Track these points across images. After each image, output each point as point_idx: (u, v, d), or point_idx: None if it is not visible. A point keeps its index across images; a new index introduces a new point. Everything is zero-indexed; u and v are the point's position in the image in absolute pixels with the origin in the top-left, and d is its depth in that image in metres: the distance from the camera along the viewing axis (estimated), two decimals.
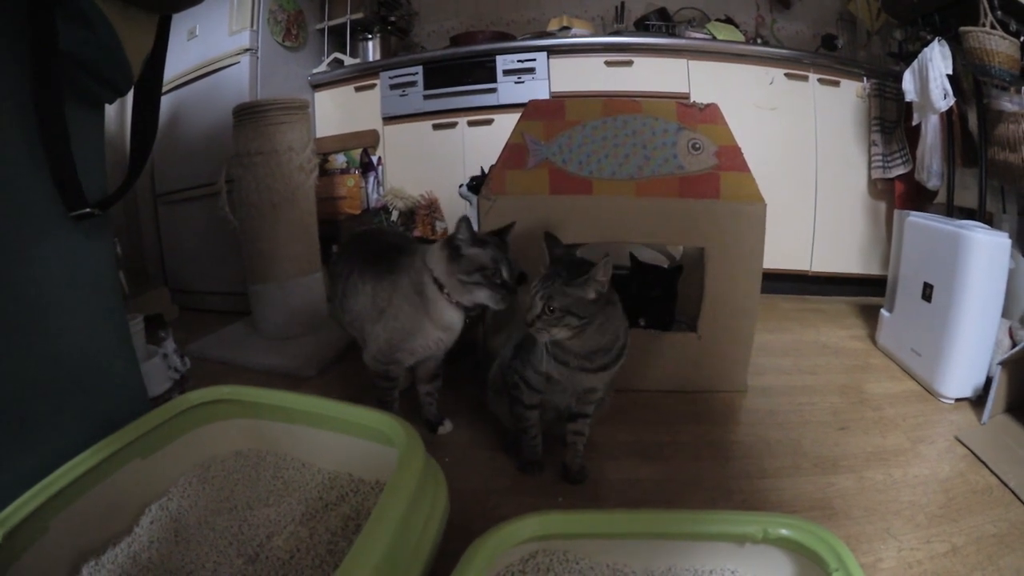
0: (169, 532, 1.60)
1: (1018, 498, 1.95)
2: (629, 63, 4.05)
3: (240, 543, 1.56)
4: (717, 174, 2.54)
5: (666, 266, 2.97)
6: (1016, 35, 2.76)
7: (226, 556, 1.52)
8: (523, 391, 1.98)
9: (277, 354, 3.01)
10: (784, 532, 1.39)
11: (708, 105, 2.61)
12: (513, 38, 4.42)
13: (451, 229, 4.05)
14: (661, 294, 2.74)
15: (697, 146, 2.56)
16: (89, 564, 1.48)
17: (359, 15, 4.58)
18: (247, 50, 3.86)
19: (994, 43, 2.77)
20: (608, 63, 4.06)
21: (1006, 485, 2.02)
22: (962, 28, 2.90)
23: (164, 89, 3.56)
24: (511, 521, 1.38)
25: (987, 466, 2.13)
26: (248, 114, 3.09)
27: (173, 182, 4.01)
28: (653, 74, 4.03)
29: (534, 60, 4.07)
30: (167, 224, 4.16)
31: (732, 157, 2.56)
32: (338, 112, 4.54)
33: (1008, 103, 2.92)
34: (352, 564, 1.14)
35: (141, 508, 1.67)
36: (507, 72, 4.09)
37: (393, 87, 4.30)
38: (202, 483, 1.79)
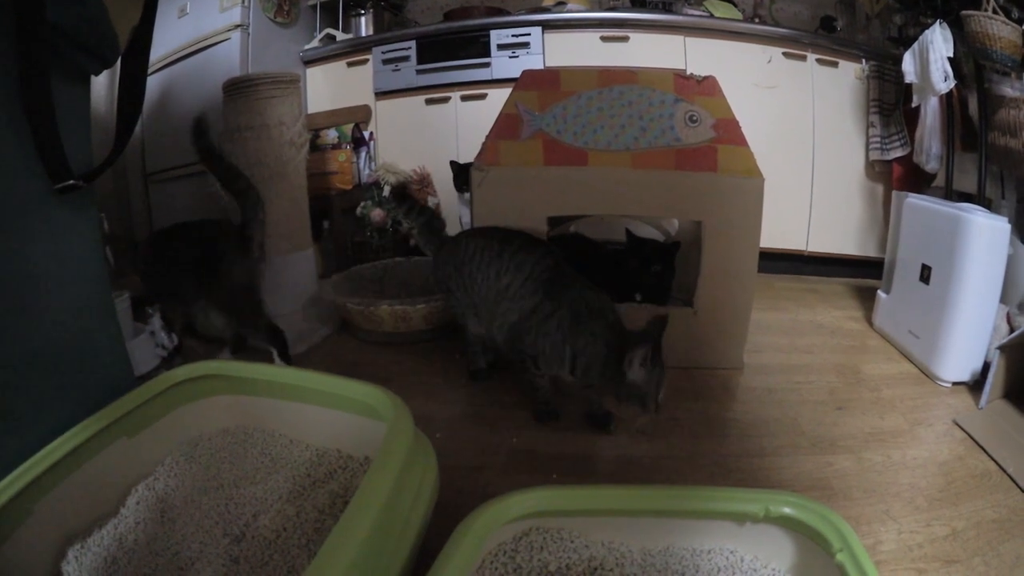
0: (155, 512, 1.57)
1: (1017, 485, 1.93)
2: (625, 39, 4.03)
3: (226, 522, 1.54)
4: (715, 147, 2.51)
5: (662, 241, 2.94)
6: (1019, 22, 2.74)
7: (212, 536, 1.49)
8: (533, 369, 2.14)
9: None
10: (786, 511, 1.35)
11: (706, 77, 2.60)
12: (508, 13, 4.40)
13: (444, 204, 4.10)
14: (659, 269, 2.71)
15: (694, 118, 2.53)
16: (75, 547, 1.44)
17: None
18: (238, 26, 3.84)
19: (996, 28, 2.75)
20: (604, 39, 4.04)
21: (1005, 471, 2.00)
22: (964, 12, 2.88)
23: (155, 67, 3.58)
24: (502, 497, 1.35)
25: (986, 451, 2.11)
26: (238, 88, 3.06)
27: (164, 160, 4.01)
28: (649, 51, 4.01)
29: (529, 35, 4.05)
30: (158, 203, 4.15)
31: (730, 130, 2.54)
32: (330, 88, 4.52)
33: (1009, 89, 2.90)
34: (336, 543, 1.10)
35: (127, 488, 1.64)
36: (501, 47, 4.08)
37: (386, 62, 4.29)
38: (189, 462, 1.76)
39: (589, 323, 1.99)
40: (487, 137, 2.58)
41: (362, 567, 1.12)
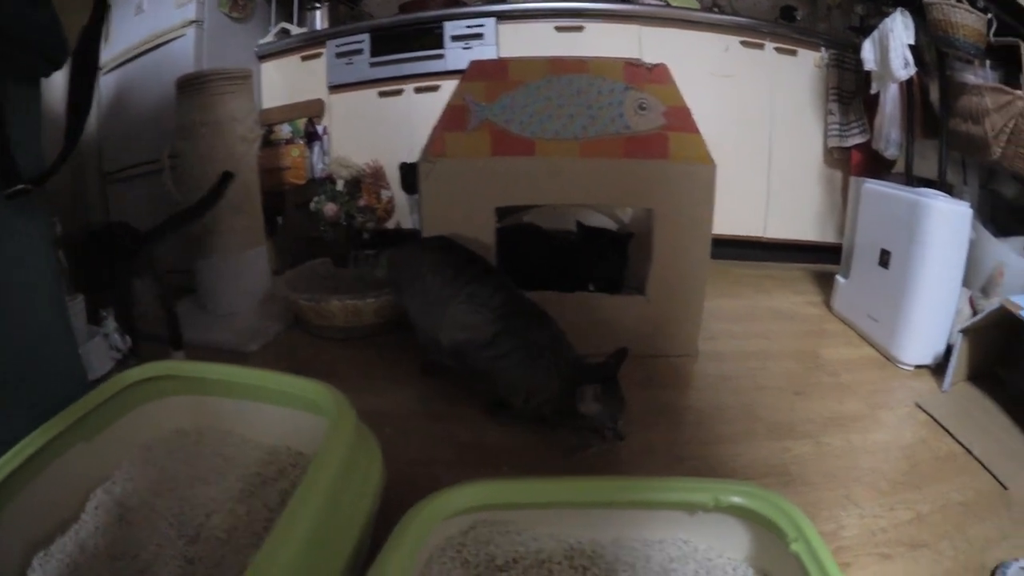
0: (114, 516, 1.55)
1: (984, 467, 1.95)
2: (580, 29, 4.01)
3: (181, 524, 1.52)
4: (665, 135, 2.51)
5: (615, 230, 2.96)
6: (983, 11, 2.76)
7: (167, 538, 1.47)
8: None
9: (221, 330, 2.96)
10: (736, 500, 1.34)
11: (656, 65, 2.60)
12: (463, 4, 4.37)
13: (397, 197, 4.11)
14: (612, 258, 2.71)
15: (644, 106, 2.53)
16: (39, 555, 1.43)
17: None
18: (193, 22, 3.78)
19: (959, 16, 2.77)
20: (558, 29, 4.02)
21: (970, 453, 2.01)
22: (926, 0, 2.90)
23: (111, 66, 3.55)
24: (446, 490, 1.33)
25: (950, 433, 2.13)
26: (191, 85, 3.04)
27: (121, 160, 3.96)
28: (605, 40, 3.99)
29: (483, 26, 4.02)
30: (116, 203, 4.10)
31: (681, 118, 2.53)
32: (284, 82, 4.47)
33: (972, 76, 2.93)
34: (275, 543, 1.08)
35: (87, 493, 1.61)
36: (455, 38, 4.05)
37: (339, 55, 4.25)
38: (145, 464, 1.73)
39: (546, 360, 1.99)
40: (434, 129, 2.57)
41: (303, 566, 1.11)
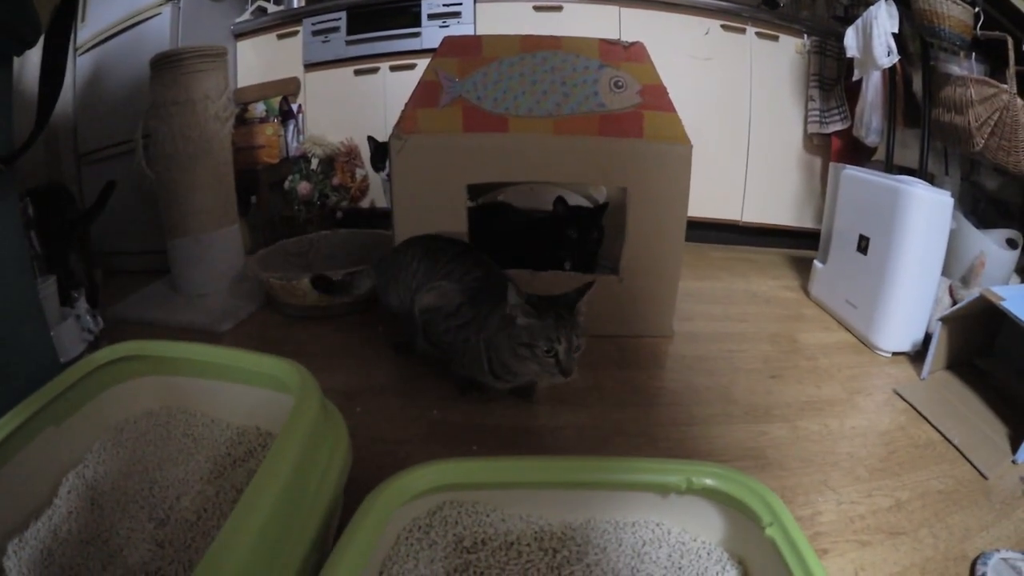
0: (86, 501, 1.54)
1: (964, 455, 1.94)
2: (559, 8, 3.99)
3: (151, 506, 1.51)
4: (640, 113, 2.49)
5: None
6: (971, 3, 2.77)
7: (138, 521, 1.46)
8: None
9: (194, 310, 2.95)
10: (708, 482, 1.33)
11: (633, 43, 2.59)
12: None
13: (371, 175, 4.10)
14: (587, 233, 2.69)
15: (620, 84, 2.52)
16: (13, 542, 1.40)
17: None
18: (169, 1, 3.73)
19: (945, 6, 2.79)
20: (537, 8, 4.00)
21: (950, 442, 2.01)
22: None
23: (88, 46, 3.48)
24: (410, 469, 1.31)
25: (929, 421, 2.13)
26: (165, 64, 3.00)
27: (96, 140, 3.91)
28: (583, 21, 3.97)
29: (460, 4, 4.01)
30: (92, 184, 4.05)
31: (657, 96, 2.52)
32: (260, 61, 4.45)
33: (956, 67, 2.96)
34: (234, 527, 1.06)
35: (59, 477, 1.60)
36: (432, 16, 4.03)
37: (315, 33, 4.23)
38: (116, 447, 1.72)
39: (497, 313, 1.94)
40: (406, 105, 2.55)
41: (264, 549, 1.08)
